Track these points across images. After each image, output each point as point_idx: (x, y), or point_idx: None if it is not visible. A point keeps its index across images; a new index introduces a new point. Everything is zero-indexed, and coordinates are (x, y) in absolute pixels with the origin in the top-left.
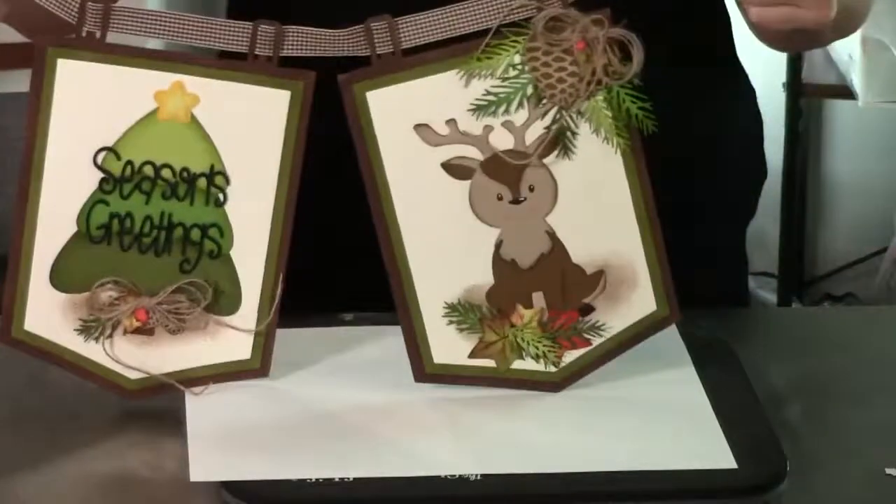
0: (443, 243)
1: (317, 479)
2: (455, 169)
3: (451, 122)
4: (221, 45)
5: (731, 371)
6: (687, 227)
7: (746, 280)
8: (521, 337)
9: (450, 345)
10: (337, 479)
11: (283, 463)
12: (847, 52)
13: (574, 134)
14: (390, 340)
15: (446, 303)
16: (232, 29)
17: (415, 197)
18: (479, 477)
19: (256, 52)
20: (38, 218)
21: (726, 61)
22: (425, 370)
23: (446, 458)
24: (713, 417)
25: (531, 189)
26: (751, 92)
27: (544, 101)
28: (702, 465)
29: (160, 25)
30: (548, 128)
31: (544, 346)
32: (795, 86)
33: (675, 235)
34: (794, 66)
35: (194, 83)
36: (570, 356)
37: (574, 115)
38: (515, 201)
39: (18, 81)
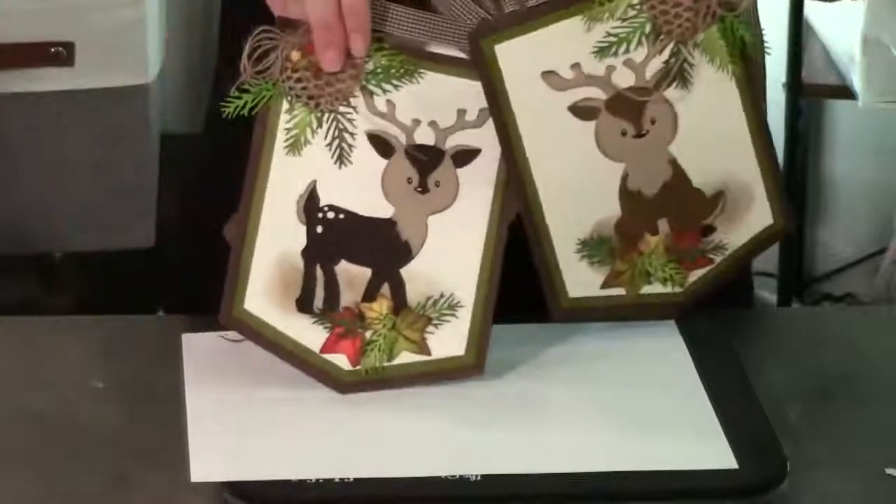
0: (573, 183)
1: (317, 480)
2: (581, 111)
3: (576, 66)
4: (438, 41)
5: (731, 371)
6: None
7: (751, 303)
8: (648, 263)
9: (583, 278)
10: (337, 480)
11: (284, 463)
12: (847, 52)
13: (691, 66)
14: None
15: (579, 240)
16: (450, 27)
17: (545, 142)
18: (479, 477)
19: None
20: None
21: None
22: (562, 306)
23: (446, 458)
24: (713, 417)
25: (653, 122)
26: None
27: (662, 36)
28: (702, 466)
29: (390, 20)
30: (667, 62)
31: (671, 268)
32: (795, 86)
33: None
34: (794, 66)
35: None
36: (693, 276)
37: (691, 47)
38: (639, 135)
39: (19, 81)
